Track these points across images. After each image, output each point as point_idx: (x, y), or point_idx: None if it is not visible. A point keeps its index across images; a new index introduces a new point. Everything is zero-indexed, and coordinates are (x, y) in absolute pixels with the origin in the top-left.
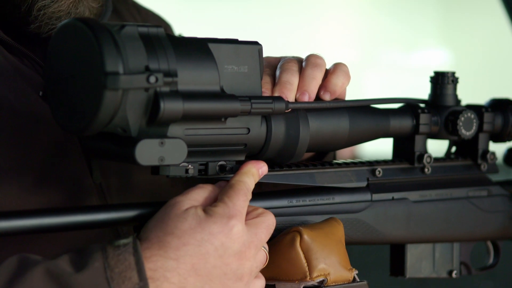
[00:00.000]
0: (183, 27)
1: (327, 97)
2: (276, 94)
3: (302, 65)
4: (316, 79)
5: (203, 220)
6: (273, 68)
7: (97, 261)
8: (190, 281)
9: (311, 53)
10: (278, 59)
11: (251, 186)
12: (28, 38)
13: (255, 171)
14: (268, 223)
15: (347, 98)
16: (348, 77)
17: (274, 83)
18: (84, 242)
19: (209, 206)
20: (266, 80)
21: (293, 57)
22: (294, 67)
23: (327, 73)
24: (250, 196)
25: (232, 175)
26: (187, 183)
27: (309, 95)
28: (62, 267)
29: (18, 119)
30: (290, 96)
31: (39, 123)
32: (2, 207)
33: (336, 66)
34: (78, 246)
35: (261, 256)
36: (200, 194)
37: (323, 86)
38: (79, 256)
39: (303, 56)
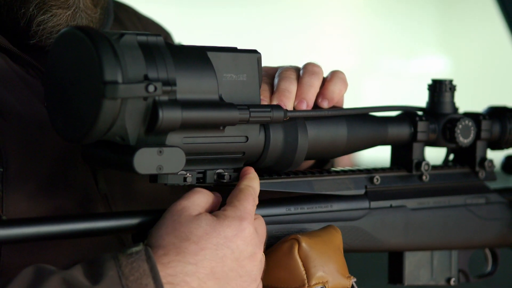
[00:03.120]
0: (182, 34)
1: (325, 104)
2: (274, 102)
3: (300, 73)
4: (313, 87)
5: (217, 225)
6: (271, 76)
7: (111, 270)
8: (209, 285)
9: (308, 61)
10: (276, 69)
11: (258, 191)
12: (33, 47)
13: (257, 177)
14: (264, 225)
15: (345, 105)
16: (345, 84)
17: (272, 91)
18: (90, 250)
19: (216, 211)
20: (265, 88)
21: (291, 66)
22: (292, 76)
23: (325, 80)
24: (257, 201)
25: (229, 183)
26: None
27: (307, 103)
28: (78, 278)
29: (25, 128)
30: (289, 104)
31: (46, 131)
32: (9, 214)
33: (334, 73)
34: (87, 256)
35: (263, 258)
36: (201, 199)
37: (320, 93)
38: (91, 267)
39: (301, 65)
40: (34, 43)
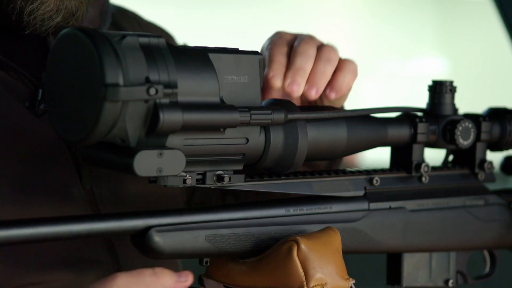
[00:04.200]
0: (182, 34)
1: (332, 96)
2: (288, 80)
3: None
4: (326, 76)
5: None
6: (290, 45)
7: None
8: None
9: (327, 43)
10: (294, 37)
11: None
12: (28, 38)
13: None
14: None
15: (345, 106)
16: (355, 75)
17: (288, 64)
18: (76, 253)
19: None
20: (281, 62)
21: (310, 38)
22: (312, 52)
23: (336, 68)
24: None
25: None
26: (181, 192)
27: (317, 90)
28: None
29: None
30: (302, 83)
31: (22, 133)
32: None
33: (345, 64)
34: (68, 256)
35: None
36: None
37: (329, 84)
38: None
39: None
40: (31, 33)
